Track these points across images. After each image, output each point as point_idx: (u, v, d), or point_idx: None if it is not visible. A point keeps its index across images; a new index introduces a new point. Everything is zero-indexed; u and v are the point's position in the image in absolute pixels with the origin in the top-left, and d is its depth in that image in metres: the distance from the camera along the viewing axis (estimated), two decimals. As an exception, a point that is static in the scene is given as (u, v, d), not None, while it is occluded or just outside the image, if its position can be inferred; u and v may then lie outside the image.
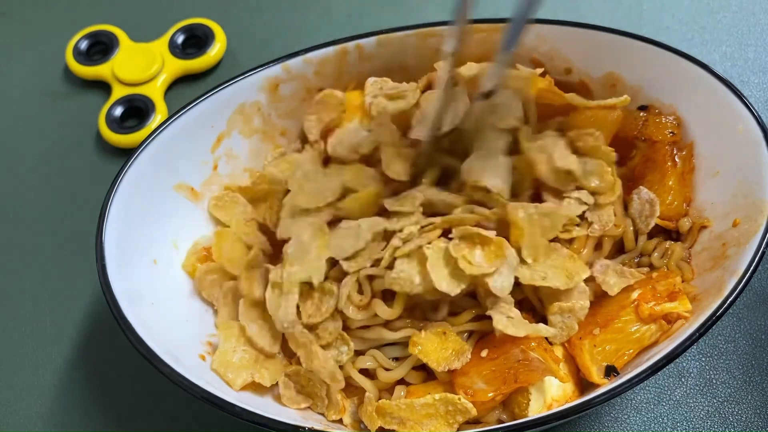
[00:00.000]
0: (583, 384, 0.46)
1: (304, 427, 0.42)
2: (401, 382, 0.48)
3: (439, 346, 0.46)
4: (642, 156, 0.52)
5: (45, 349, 0.54)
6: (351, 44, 0.56)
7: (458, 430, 0.45)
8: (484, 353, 0.45)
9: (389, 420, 0.45)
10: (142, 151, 0.51)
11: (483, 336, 0.47)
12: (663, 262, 0.49)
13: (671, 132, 0.51)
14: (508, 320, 0.44)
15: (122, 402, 0.52)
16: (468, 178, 0.49)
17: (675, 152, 0.51)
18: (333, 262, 0.49)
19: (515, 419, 0.44)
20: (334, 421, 0.47)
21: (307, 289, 0.48)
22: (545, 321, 0.47)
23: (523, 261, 0.46)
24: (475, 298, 0.48)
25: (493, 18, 0.53)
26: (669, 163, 0.51)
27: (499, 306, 0.46)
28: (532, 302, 0.48)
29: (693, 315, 0.45)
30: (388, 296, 0.48)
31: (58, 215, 0.60)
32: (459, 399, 0.44)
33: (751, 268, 0.44)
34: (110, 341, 0.53)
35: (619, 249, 0.51)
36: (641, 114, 0.52)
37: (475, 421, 0.45)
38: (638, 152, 0.52)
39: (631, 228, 0.50)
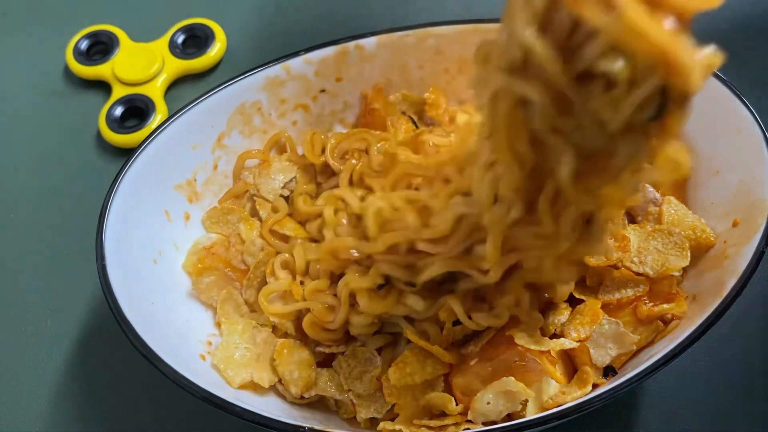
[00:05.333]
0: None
1: (304, 427, 0.42)
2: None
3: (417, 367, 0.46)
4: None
5: (45, 349, 0.54)
6: (351, 44, 0.56)
7: (458, 430, 0.45)
8: (473, 362, 0.45)
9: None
10: (142, 151, 0.51)
11: (477, 334, 0.47)
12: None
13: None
14: (530, 337, 0.45)
15: (122, 402, 0.52)
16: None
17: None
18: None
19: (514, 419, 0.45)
20: (346, 419, 0.48)
21: None
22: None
23: None
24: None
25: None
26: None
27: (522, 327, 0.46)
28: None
29: (693, 315, 0.45)
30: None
31: (58, 215, 0.60)
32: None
33: (751, 268, 0.44)
34: (110, 341, 0.53)
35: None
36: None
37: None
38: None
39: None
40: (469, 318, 0.46)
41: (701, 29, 0.66)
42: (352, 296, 0.47)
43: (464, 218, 0.43)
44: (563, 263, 0.43)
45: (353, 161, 0.52)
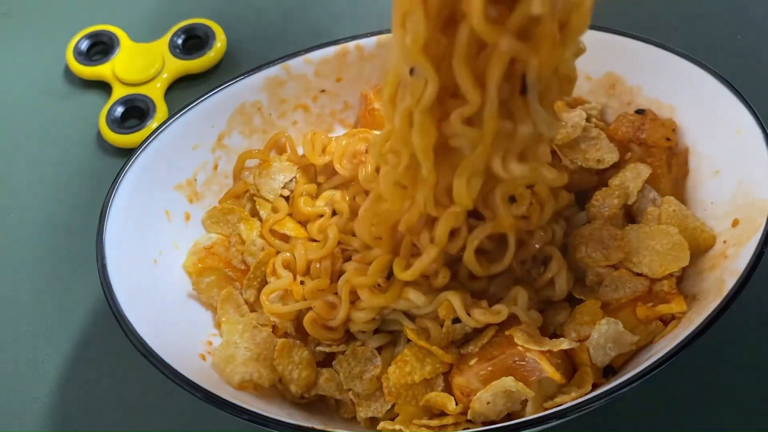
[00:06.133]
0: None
1: (304, 427, 0.42)
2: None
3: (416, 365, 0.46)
4: (637, 160, 0.51)
5: (45, 348, 0.54)
6: (351, 44, 0.56)
7: (458, 430, 0.45)
8: (473, 362, 0.45)
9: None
10: (143, 151, 0.51)
11: (477, 334, 0.47)
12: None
13: (667, 138, 0.51)
14: (529, 337, 0.45)
15: (122, 402, 0.52)
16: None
17: (670, 158, 0.51)
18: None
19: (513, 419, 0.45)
20: (346, 419, 0.48)
21: None
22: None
23: None
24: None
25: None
26: (664, 169, 0.51)
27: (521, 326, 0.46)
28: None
29: (693, 315, 0.45)
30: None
31: (58, 215, 0.60)
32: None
33: (751, 268, 0.44)
34: (110, 341, 0.53)
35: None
36: (638, 118, 0.52)
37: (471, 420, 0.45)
38: (633, 155, 0.52)
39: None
40: (468, 315, 0.46)
41: (704, 29, 0.66)
42: (353, 293, 0.47)
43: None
44: (511, 156, 0.41)
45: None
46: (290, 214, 0.54)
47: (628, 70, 0.53)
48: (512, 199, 0.45)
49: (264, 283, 0.51)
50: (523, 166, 0.41)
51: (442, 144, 0.42)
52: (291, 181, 0.54)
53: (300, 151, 0.56)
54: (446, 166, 0.42)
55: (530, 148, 0.42)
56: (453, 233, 0.45)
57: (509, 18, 0.37)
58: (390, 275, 0.47)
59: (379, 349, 0.48)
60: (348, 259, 0.50)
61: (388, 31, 0.56)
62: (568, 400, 0.43)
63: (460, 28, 0.38)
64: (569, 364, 0.46)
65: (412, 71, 0.39)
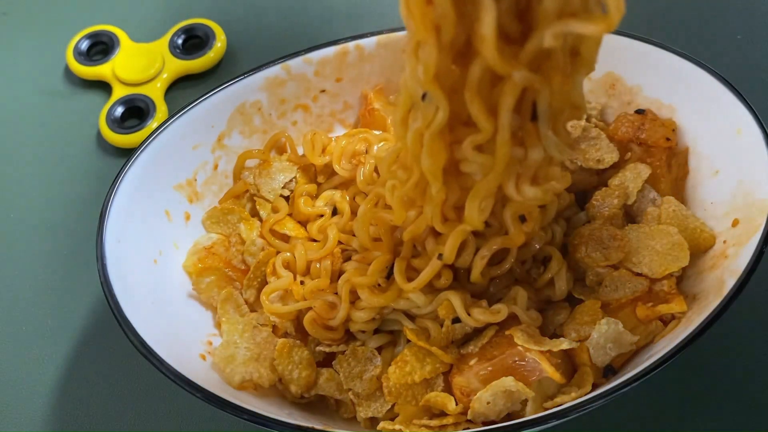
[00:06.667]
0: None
1: (304, 427, 0.42)
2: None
3: (416, 366, 0.46)
4: (637, 160, 0.51)
5: (45, 348, 0.54)
6: (351, 44, 0.56)
7: (458, 430, 0.45)
8: (473, 362, 0.45)
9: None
10: (143, 151, 0.51)
11: (477, 334, 0.47)
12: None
13: (667, 138, 0.51)
14: (529, 337, 0.45)
15: (122, 402, 0.52)
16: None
17: (670, 158, 0.51)
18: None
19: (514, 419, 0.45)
20: (346, 419, 0.48)
21: None
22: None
23: None
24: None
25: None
26: (664, 169, 0.51)
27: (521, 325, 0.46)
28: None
29: (693, 315, 0.45)
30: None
31: (58, 215, 0.60)
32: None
33: (751, 268, 0.44)
34: (110, 341, 0.53)
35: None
36: (638, 118, 0.52)
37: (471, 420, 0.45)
38: (633, 155, 0.52)
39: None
40: (468, 315, 0.46)
41: (704, 29, 0.66)
42: (353, 293, 0.47)
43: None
44: (524, 180, 0.42)
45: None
46: (290, 214, 0.54)
47: (628, 70, 0.53)
48: (522, 218, 0.46)
49: (264, 283, 0.51)
50: (536, 189, 0.42)
51: (453, 164, 0.42)
52: (291, 181, 0.54)
53: (300, 151, 0.56)
54: (456, 185, 0.43)
55: (542, 170, 0.42)
56: (461, 247, 0.45)
57: (521, 51, 0.38)
58: (390, 275, 0.48)
59: (379, 349, 0.48)
60: (348, 259, 0.50)
61: (388, 31, 0.56)
62: (568, 400, 0.43)
63: (474, 63, 0.38)
64: (569, 364, 0.46)
65: (424, 96, 0.40)
